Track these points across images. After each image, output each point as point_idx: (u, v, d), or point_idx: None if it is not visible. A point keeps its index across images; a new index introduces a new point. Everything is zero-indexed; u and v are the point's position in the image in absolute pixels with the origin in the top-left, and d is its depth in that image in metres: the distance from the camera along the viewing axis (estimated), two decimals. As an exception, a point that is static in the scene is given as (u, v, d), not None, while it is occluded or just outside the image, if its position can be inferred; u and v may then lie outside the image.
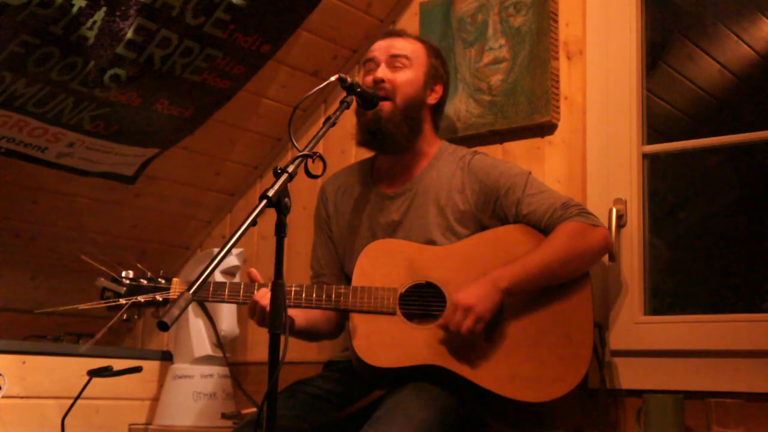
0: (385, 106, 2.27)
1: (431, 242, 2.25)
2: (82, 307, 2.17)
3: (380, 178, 2.42)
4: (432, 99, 2.37)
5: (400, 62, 2.32)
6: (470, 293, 2.06)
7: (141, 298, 2.15)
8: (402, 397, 2.00)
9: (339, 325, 2.41)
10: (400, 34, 2.41)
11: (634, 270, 2.42)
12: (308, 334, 2.32)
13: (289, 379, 2.26)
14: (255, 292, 2.13)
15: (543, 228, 2.20)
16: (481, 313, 2.04)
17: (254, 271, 2.16)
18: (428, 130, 2.38)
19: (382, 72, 2.30)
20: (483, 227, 2.26)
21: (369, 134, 2.31)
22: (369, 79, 2.31)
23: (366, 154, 2.49)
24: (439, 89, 2.38)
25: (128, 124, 2.72)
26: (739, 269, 2.78)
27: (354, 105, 2.21)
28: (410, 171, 2.37)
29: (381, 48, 2.35)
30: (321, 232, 2.49)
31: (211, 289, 2.18)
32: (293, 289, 2.17)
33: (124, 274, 2.19)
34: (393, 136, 2.29)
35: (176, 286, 2.20)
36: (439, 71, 2.38)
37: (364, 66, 2.40)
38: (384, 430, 1.89)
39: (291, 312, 2.17)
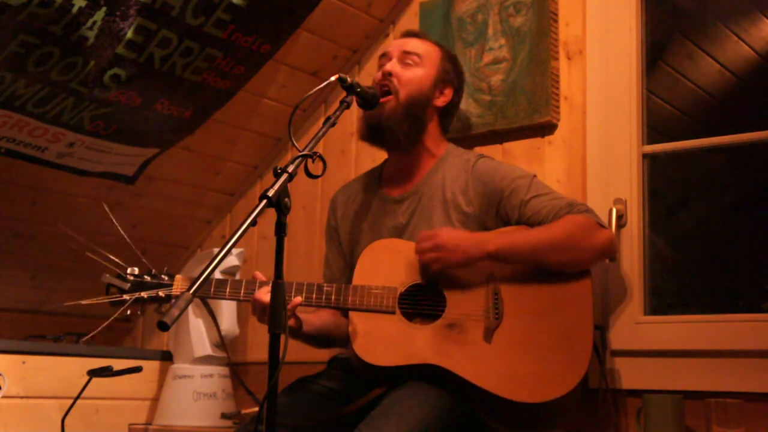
0: (388, 101, 2.28)
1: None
2: (86, 302, 2.18)
3: (387, 181, 2.42)
4: (440, 101, 2.37)
5: (411, 59, 2.34)
6: (455, 237, 2.12)
7: (144, 294, 2.16)
8: (398, 396, 2.01)
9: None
10: (418, 35, 2.44)
11: (634, 270, 2.42)
12: (317, 339, 2.30)
13: (288, 379, 2.26)
14: (256, 289, 2.14)
15: None
16: (446, 259, 2.09)
17: (258, 274, 2.18)
18: (434, 131, 2.38)
19: (392, 66, 2.32)
20: (486, 230, 2.26)
21: (369, 128, 2.32)
22: (378, 74, 2.34)
23: (366, 152, 2.49)
24: (448, 92, 2.38)
25: (128, 124, 2.72)
26: (739, 269, 2.77)
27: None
28: (416, 172, 2.37)
29: (396, 44, 2.40)
30: (332, 240, 2.49)
31: (212, 286, 2.19)
32: (293, 287, 2.17)
33: (129, 270, 2.20)
34: (393, 132, 2.29)
35: (179, 282, 2.20)
36: (450, 75, 2.39)
37: (379, 61, 2.42)
38: (378, 428, 1.90)
39: (301, 317, 2.18)
